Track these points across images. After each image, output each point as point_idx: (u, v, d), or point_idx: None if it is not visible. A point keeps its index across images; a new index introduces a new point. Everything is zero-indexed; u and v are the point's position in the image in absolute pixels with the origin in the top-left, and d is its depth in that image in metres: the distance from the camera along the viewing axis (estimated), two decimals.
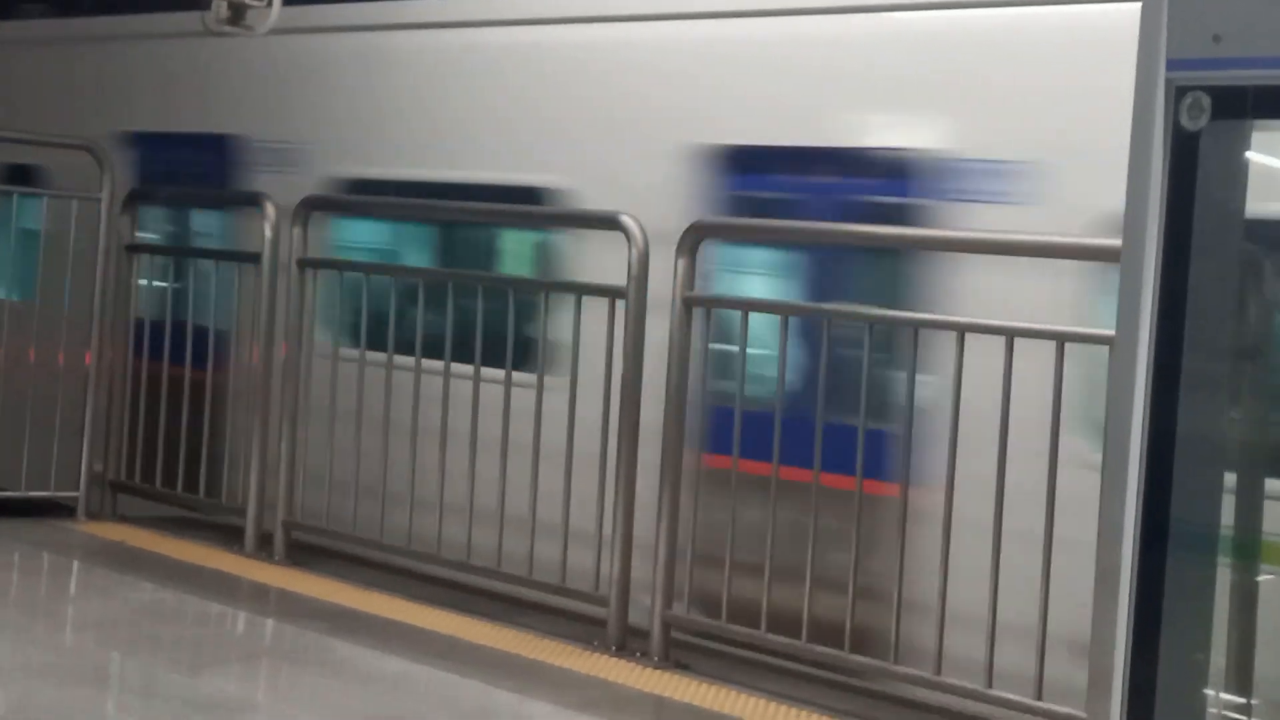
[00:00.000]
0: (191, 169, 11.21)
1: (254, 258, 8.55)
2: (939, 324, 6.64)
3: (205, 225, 11.44)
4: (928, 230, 7.65)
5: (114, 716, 5.89)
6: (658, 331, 6.90)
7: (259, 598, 7.82)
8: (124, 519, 9.07)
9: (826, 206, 8.35)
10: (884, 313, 6.83)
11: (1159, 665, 3.50)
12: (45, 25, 12.78)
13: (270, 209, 8.51)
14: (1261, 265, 4.32)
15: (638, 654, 6.87)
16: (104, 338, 9.12)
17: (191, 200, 11.16)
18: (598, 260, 7.63)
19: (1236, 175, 3.58)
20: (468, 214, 9.28)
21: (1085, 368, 6.21)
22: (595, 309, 7.16)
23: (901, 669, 6.20)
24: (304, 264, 8.37)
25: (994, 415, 5.98)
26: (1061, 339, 5.93)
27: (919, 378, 6.36)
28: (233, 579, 7.99)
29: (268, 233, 8.48)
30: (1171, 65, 3.48)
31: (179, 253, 9.53)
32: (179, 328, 9.00)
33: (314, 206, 8.58)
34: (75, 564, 8.35)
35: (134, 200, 9.36)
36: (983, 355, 6.14)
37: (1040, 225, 7.41)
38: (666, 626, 6.86)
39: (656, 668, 6.76)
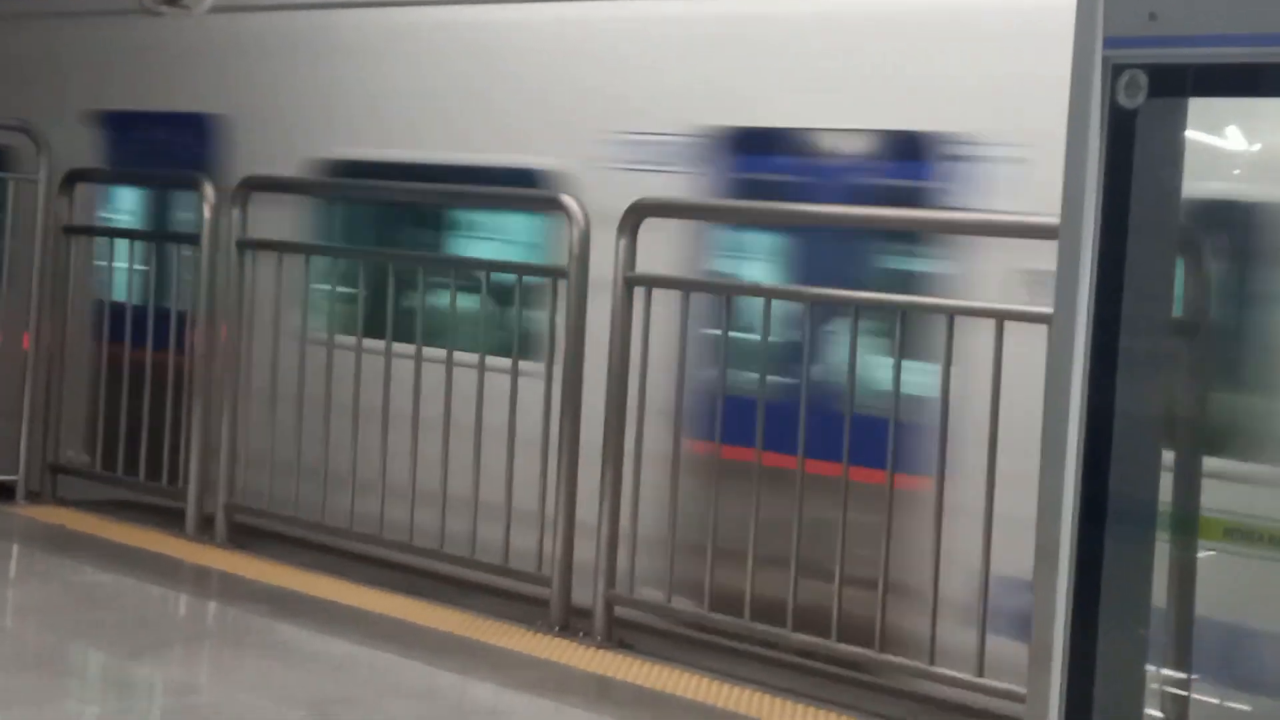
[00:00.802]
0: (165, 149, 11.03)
1: (193, 238, 8.51)
2: (881, 302, 6.64)
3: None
4: (870, 210, 7.65)
5: (55, 701, 5.86)
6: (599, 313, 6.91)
7: (201, 580, 7.79)
8: (63, 502, 9.02)
9: None
10: (823, 291, 6.83)
11: (1099, 641, 3.52)
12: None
13: (209, 190, 8.46)
14: (1199, 243, 4.36)
15: (581, 634, 6.87)
16: (42, 319, 9.05)
17: (130, 180, 11.07)
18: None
19: (1173, 153, 3.60)
20: (415, 195, 9.24)
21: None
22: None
23: (844, 647, 6.21)
24: (243, 245, 8.33)
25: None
26: (1000, 317, 5.95)
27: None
28: (174, 562, 7.95)
29: (206, 214, 8.43)
30: (1108, 43, 3.49)
31: (116, 234, 9.46)
32: (118, 310, 8.95)
33: (253, 187, 8.53)
34: (15, 548, 8.30)
35: (72, 181, 9.29)
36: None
37: None
38: (609, 606, 6.86)
39: (599, 647, 6.77)
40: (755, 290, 6.86)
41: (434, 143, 9.64)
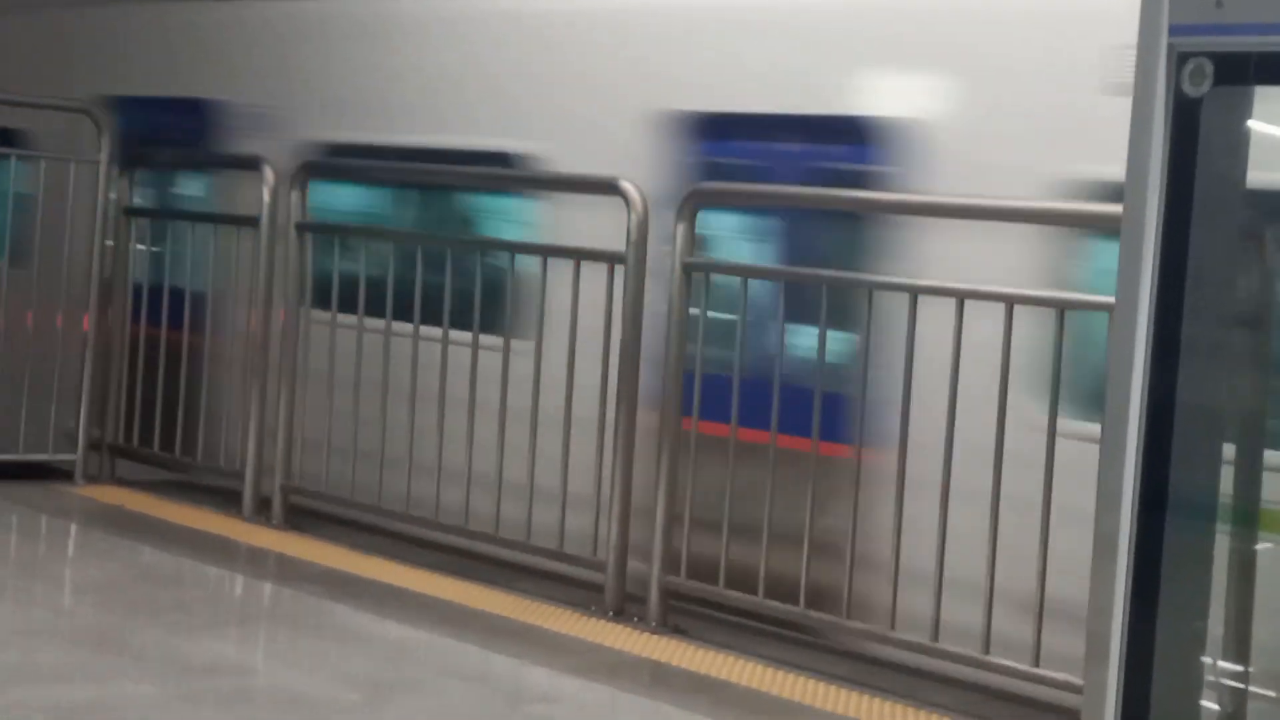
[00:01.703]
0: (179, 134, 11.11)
1: (252, 221, 8.53)
2: (940, 290, 6.60)
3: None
4: (928, 197, 7.61)
5: (111, 679, 5.89)
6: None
7: (257, 561, 7.82)
8: (122, 482, 9.07)
9: None
10: (883, 279, 6.81)
11: (1156, 633, 3.50)
12: None
13: (269, 173, 8.49)
14: (1263, 233, 4.31)
15: (635, 619, 6.87)
16: (101, 301, 9.10)
17: (190, 163, 11.11)
18: None
19: (1238, 142, 3.57)
20: (461, 179, 9.25)
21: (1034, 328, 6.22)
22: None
23: (897, 635, 6.20)
24: (302, 228, 8.35)
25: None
26: (1063, 306, 5.92)
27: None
28: (230, 543, 7.99)
29: (265, 196, 8.46)
30: (1174, 30, 3.46)
31: (177, 216, 9.49)
32: (178, 292, 8.99)
33: (312, 170, 8.56)
34: (73, 527, 8.35)
35: (132, 163, 9.34)
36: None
37: None
38: (664, 591, 6.86)
39: (654, 633, 6.77)
40: (814, 278, 6.83)
41: None
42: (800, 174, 8.35)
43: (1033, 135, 7.55)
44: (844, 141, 8.25)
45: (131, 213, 9.25)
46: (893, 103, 8.05)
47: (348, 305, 8.18)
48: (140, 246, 9.28)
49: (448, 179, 9.39)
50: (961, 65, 7.92)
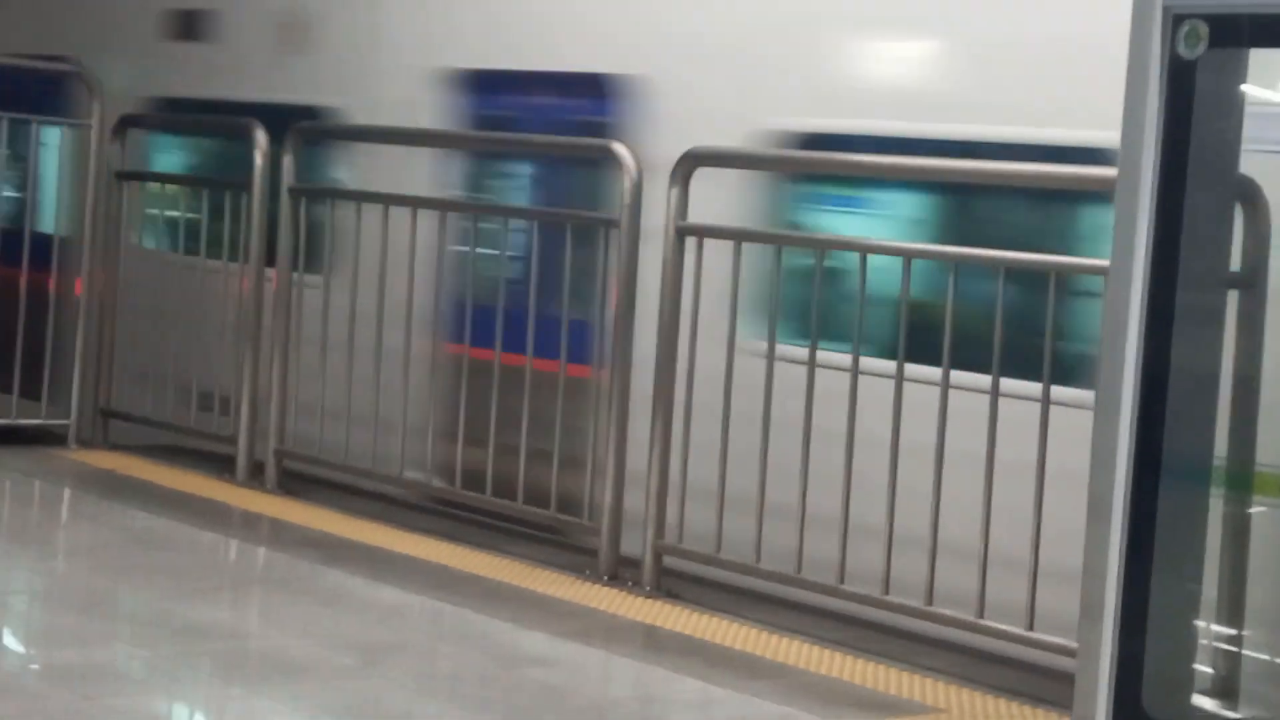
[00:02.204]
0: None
1: (245, 185, 8.51)
2: (935, 254, 6.59)
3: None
4: (924, 160, 7.59)
5: (106, 643, 5.90)
6: None
7: (251, 526, 7.82)
8: (115, 447, 9.06)
9: None
10: (879, 242, 6.80)
11: (1150, 595, 3.50)
12: None
13: (260, 137, 8.46)
14: (1257, 195, 4.31)
15: (629, 583, 6.88)
16: (95, 265, 9.09)
17: (183, 127, 11.08)
18: None
19: (1233, 104, 3.56)
20: (454, 142, 9.22)
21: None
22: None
23: (894, 599, 6.20)
24: (294, 192, 8.33)
25: None
26: (1055, 270, 5.91)
27: None
28: (224, 507, 7.99)
29: (257, 160, 8.44)
30: None
31: (169, 179, 9.49)
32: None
33: (304, 134, 8.53)
34: (67, 491, 8.35)
35: (124, 127, 9.31)
36: None
37: None
38: (658, 555, 6.86)
39: (648, 597, 6.77)
40: (810, 241, 6.82)
41: None
42: (547, 125, 8.97)
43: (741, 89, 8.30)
44: (584, 96, 8.87)
45: (124, 176, 9.23)
46: (621, 60, 8.77)
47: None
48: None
49: (440, 142, 9.35)
50: (679, 25, 8.67)
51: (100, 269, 9.10)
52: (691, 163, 6.95)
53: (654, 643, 6.31)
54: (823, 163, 7.69)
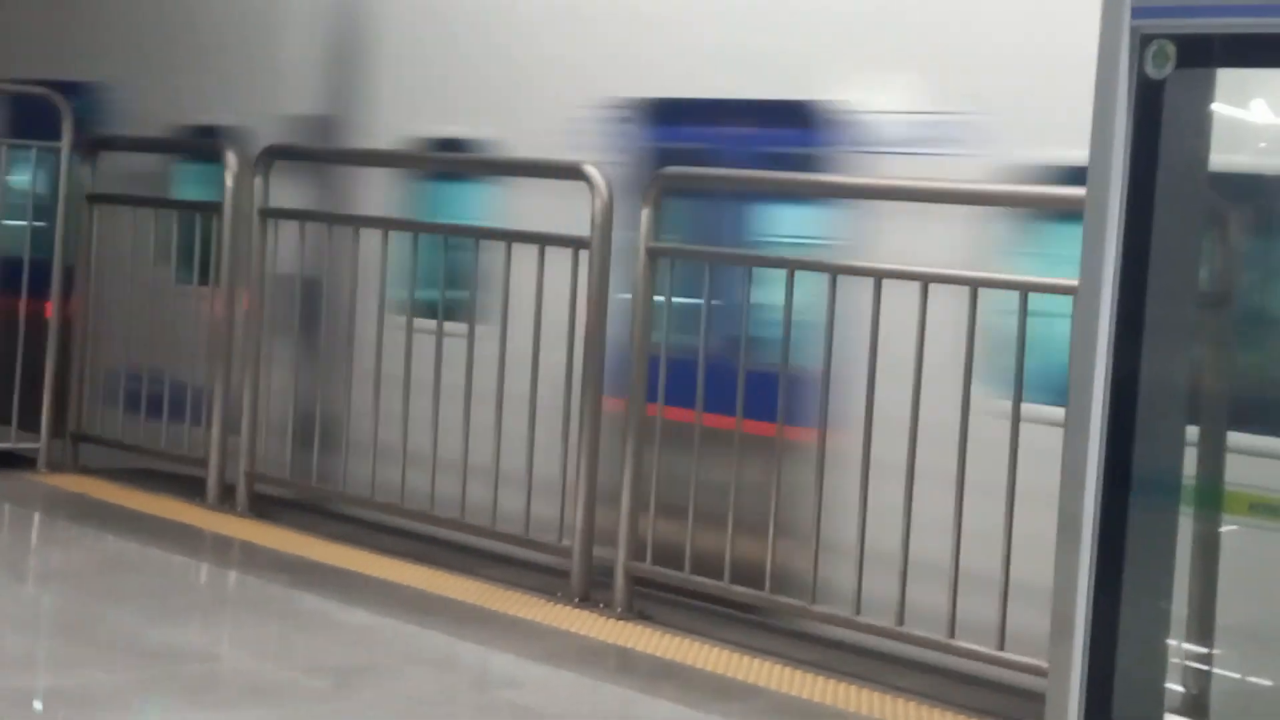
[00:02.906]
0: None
1: (215, 207, 8.50)
2: (905, 274, 6.60)
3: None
4: (892, 180, 7.60)
5: (77, 667, 5.87)
6: None
7: (222, 549, 7.80)
8: (85, 471, 9.03)
9: None
10: (847, 263, 6.81)
11: (1120, 613, 3.50)
12: None
13: (232, 158, 8.46)
14: (1225, 214, 4.33)
15: (601, 605, 6.87)
16: (64, 288, 9.06)
17: (153, 148, 11.05)
18: None
19: (1201, 124, 3.57)
20: (426, 163, 9.23)
21: None
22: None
23: (865, 619, 6.20)
24: (265, 214, 8.32)
25: None
26: (1025, 289, 5.93)
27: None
28: (195, 531, 7.96)
29: (229, 182, 8.43)
30: (1136, 13, 3.46)
31: (140, 202, 9.44)
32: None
33: (275, 155, 8.52)
34: (37, 515, 8.32)
35: (95, 149, 9.29)
36: None
37: None
38: (629, 577, 6.85)
39: (619, 619, 6.77)
40: (779, 262, 6.82)
41: None
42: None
43: None
44: None
45: (95, 199, 9.20)
46: None
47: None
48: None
49: (413, 164, 9.35)
50: None
51: (71, 292, 9.07)
52: (662, 184, 6.96)
53: (626, 664, 6.30)
54: (792, 184, 7.71)
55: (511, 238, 7.71)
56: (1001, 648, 5.79)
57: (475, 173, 9.44)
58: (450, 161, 9.29)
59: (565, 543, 7.03)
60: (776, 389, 6.51)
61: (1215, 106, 3.58)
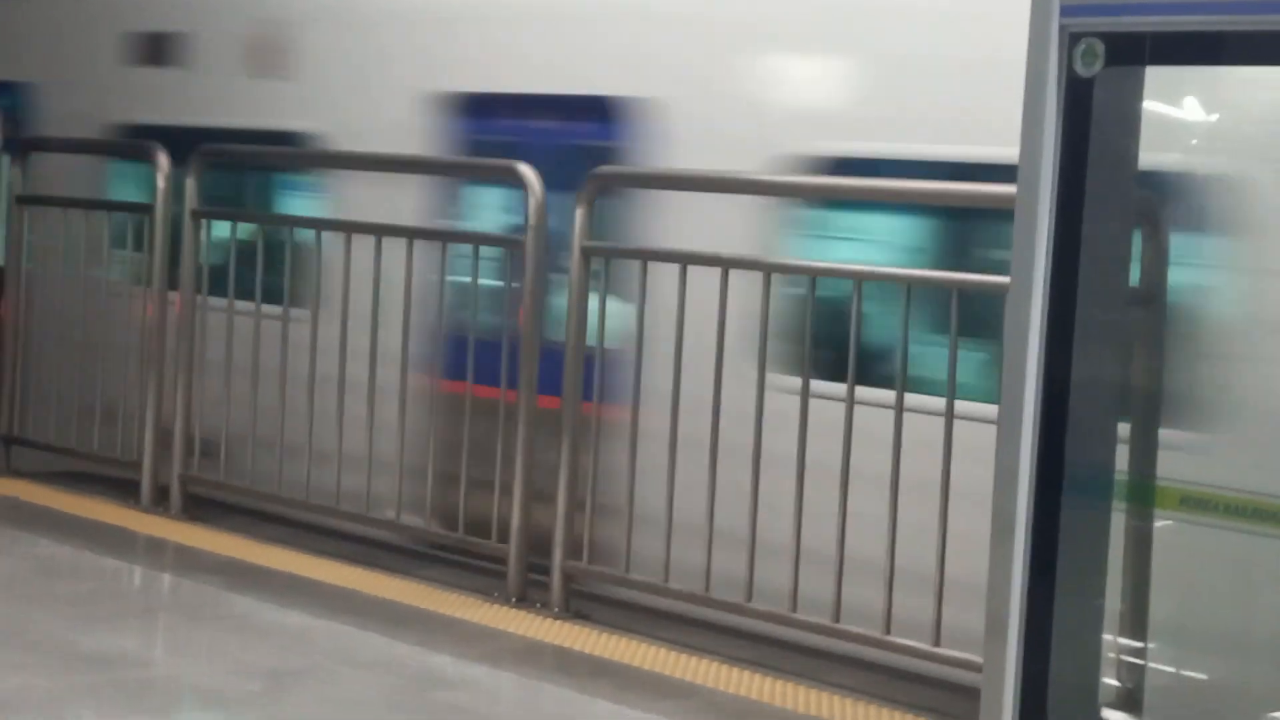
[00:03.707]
0: None
1: (146, 208, 8.45)
2: (837, 272, 6.62)
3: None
4: (839, 180, 7.60)
5: (10, 673, 5.83)
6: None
7: (156, 552, 7.75)
8: (18, 474, 8.96)
9: None
10: (782, 262, 6.83)
11: (1055, 610, 3.52)
12: None
13: (163, 160, 8.40)
14: (1155, 212, 4.35)
15: (538, 605, 6.86)
16: None
17: (84, 149, 10.98)
18: None
19: (1130, 122, 3.59)
20: (351, 163, 9.18)
21: None
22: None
23: (802, 617, 6.21)
24: (197, 215, 8.27)
25: None
26: (957, 287, 5.94)
27: None
28: (129, 534, 7.91)
29: (160, 183, 8.38)
30: (1065, 11, 3.48)
31: (70, 204, 9.37)
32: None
33: (209, 156, 8.47)
34: None
35: (26, 150, 9.23)
36: None
37: None
38: (566, 577, 6.85)
39: (557, 618, 6.76)
40: (714, 260, 6.82)
41: None
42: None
43: None
44: None
45: (24, 200, 9.14)
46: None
47: (245, 293, 8.11)
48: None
49: (338, 163, 9.30)
50: None
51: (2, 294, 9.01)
52: (597, 183, 6.96)
53: (564, 664, 6.29)
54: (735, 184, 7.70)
55: (447, 238, 7.68)
56: (937, 643, 5.81)
57: (408, 171, 9.39)
58: (377, 161, 9.24)
59: (501, 544, 7.02)
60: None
61: (1145, 104, 3.60)
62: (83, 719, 5.55)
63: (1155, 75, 3.55)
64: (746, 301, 6.52)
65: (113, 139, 10.55)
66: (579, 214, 6.85)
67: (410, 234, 7.69)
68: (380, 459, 7.49)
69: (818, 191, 7.43)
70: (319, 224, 8.07)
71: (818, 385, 6.28)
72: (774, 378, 6.45)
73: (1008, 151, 3.63)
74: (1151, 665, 4.40)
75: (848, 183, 7.23)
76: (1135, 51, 3.48)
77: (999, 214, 6.80)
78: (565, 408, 6.86)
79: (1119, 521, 3.86)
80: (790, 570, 6.21)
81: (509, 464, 6.98)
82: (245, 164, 9.79)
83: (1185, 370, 4.69)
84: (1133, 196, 3.70)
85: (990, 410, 3.63)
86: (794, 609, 6.23)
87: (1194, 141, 4.54)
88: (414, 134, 8.95)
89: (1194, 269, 5.25)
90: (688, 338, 6.61)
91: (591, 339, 6.84)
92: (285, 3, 9.83)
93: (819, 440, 6.23)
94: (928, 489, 5.85)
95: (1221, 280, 5.25)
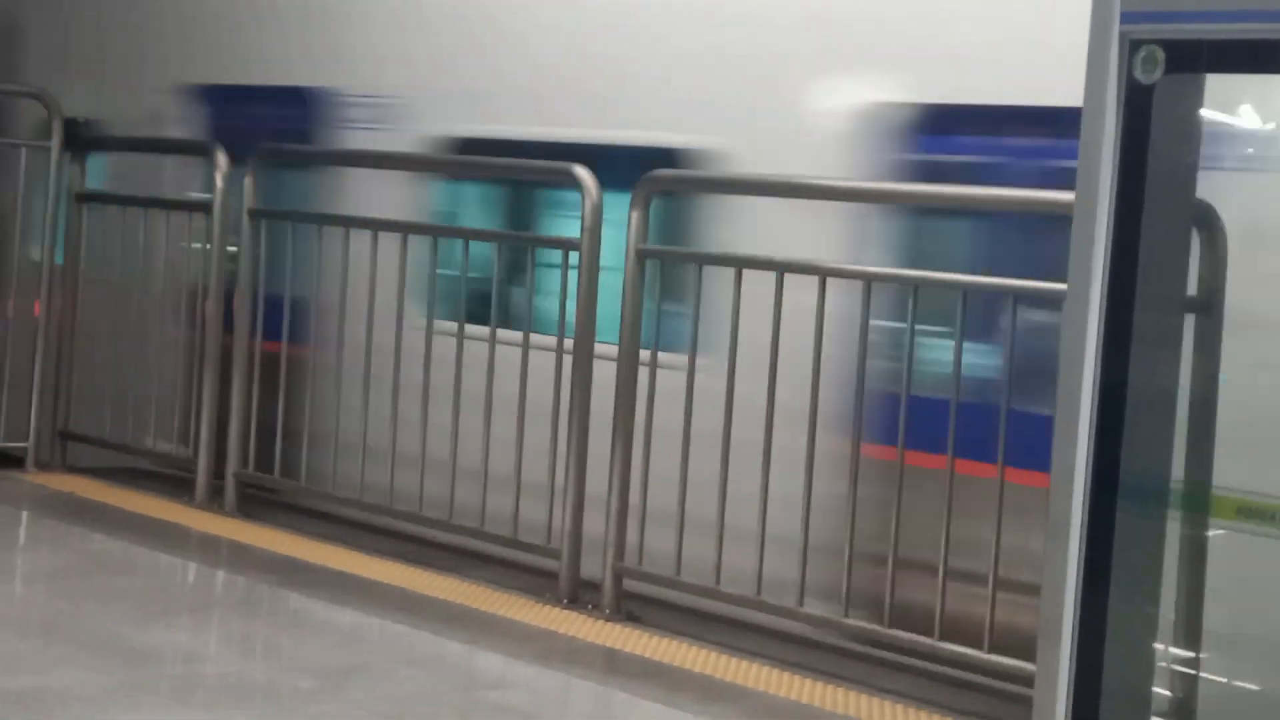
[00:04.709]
0: None
1: (205, 206, 8.49)
2: (848, 273, 6.58)
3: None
4: (885, 185, 7.59)
5: (63, 668, 5.87)
6: None
7: (210, 549, 7.79)
8: (74, 469, 9.02)
9: None
10: (838, 266, 6.82)
11: (1108, 616, 3.51)
12: None
13: (221, 158, 8.45)
14: (1213, 219, 4.33)
15: (589, 606, 6.87)
16: (53, 288, 9.05)
17: (142, 147, 11.04)
18: None
19: (1190, 129, 3.58)
20: (416, 165, 9.22)
21: None
22: None
23: (853, 622, 6.21)
24: (255, 214, 8.32)
25: None
26: (1015, 293, 5.93)
27: None
28: (183, 530, 7.96)
29: (219, 182, 8.42)
30: (1125, 18, 3.47)
31: (129, 201, 9.43)
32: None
33: (268, 155, 8.52)
34: (24, 514, 8.30)
35: (85, 148, 9.29)
36: None
37: None
38: (617, 578, 6.86)
39: (607, 620, 6.77)
40: (768, 265, 6.82)
41: None
42: None
43: None
44: None
45: (84, 198, 9.20)
46: None
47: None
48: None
49: (399, 164, 9.34)
50: None
51: (60, 291, 9.07)
52: (651, 186, 6.97)
53: (613, 666, 6.30)
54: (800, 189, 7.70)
55: (501, 238, 7.71)
56: (989, 650, 5.80)
57: (460, 174, 9.45)
58: (441, 163, 9.28)
59: (553, 545, 7.03)
60: None
61: (1204, 111, 3.60)
62: (134, 715, 5.58)
63: (1215, 83, 3.54)
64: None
65: (170, 138, 10.63)
66: (634, 216, 6.86)
67: (468, 235, 7.71)
68: (432, 456, 7.52)
69: (885, 197, 7.39)
70: (375, 224, 8.09)
71: None
72: None
73: None
74: (1204, 675, 4.38)
75: (915, 189, 7.23)
76: (1195, 59, 3.48)
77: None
78: (618, 409, 6.86)
79: (1174, 529, 3.86)
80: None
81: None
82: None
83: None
84: (1191, 204, 3.69)
85: None
86: (845, 614, 6.22)
87: (1251, 149, 4.52)
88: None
89: (1252, 275, 5.22)
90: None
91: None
92: None
93: None
94: None
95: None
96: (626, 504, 6.83)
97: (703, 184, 8.00)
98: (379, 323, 7.76)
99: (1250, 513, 4.21)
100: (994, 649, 5.75)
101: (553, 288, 7.28)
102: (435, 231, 8.27)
